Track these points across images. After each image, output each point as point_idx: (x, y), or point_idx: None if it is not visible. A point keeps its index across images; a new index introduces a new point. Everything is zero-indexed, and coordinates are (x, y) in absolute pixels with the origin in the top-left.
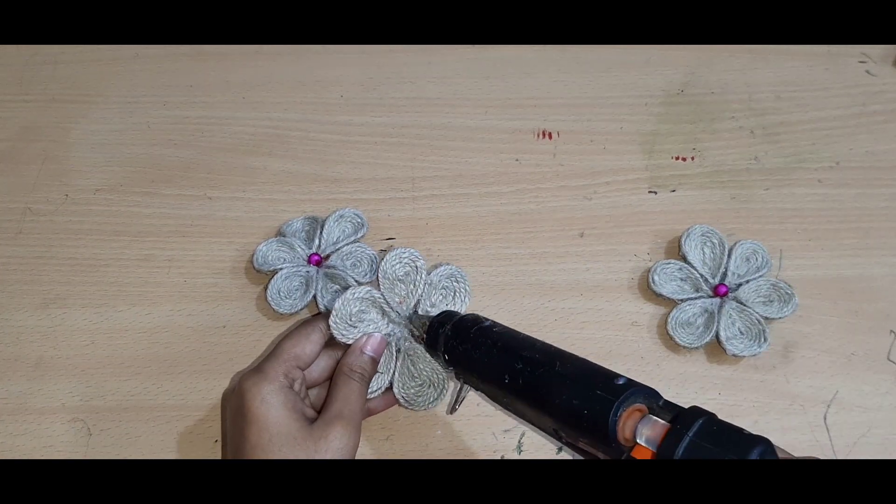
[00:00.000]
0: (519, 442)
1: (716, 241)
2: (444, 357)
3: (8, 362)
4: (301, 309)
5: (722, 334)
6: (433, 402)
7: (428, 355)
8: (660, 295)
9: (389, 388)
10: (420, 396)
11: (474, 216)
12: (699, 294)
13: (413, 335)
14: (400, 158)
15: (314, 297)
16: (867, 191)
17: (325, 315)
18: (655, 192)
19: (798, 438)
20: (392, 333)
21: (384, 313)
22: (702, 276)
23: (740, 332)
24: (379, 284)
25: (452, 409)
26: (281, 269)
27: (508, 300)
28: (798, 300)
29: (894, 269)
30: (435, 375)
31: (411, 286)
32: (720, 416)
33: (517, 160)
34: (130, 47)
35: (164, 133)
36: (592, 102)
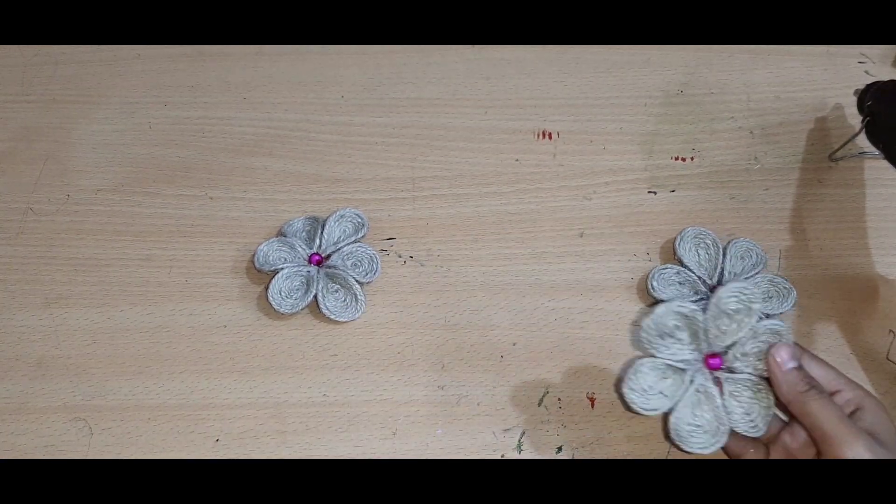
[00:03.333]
0: (519, 441)
1: (709, 241)
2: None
3: (10, 362)
4: (302, 309)
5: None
6: (704, 448)
7: (717, 401)
8: (660, 300)
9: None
10: (693, 437)
11: (474, 216)
12: (698, 296)
13: (714, 378)
14: (400, 158)
15: (315, 297)
16: (867, 191)
17: None
18: (655, 193)
19: None
20: (692, 364)
21: (695, 340)
22: (699, 277)
23: None
24: (706, 310)
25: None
26: (282, 268)
27: (508, 300)
28: (797, 295)
29: (894, 269)
30: (716, 426)
31: (735, 326)
32: None
33: (517, 160)
34: (131, 48)
35: (165, 133)
36: (592, 103)
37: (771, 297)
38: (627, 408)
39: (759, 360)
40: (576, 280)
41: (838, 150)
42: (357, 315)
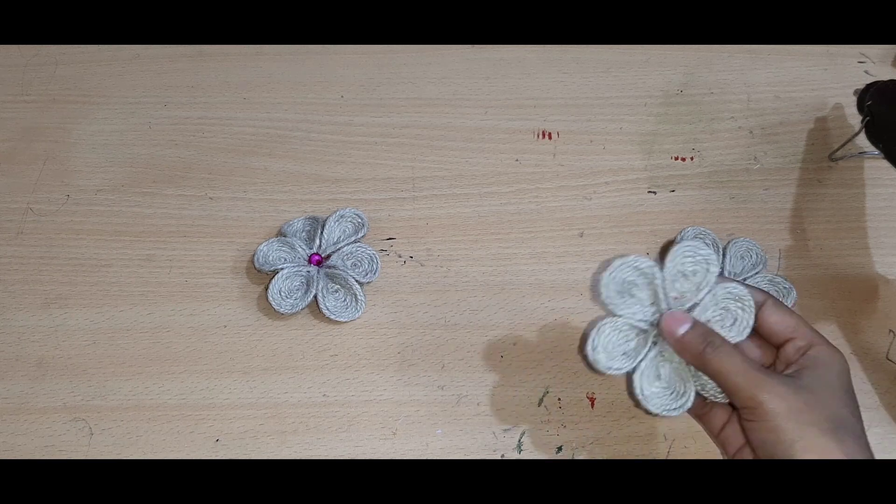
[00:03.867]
0: (519, 441)
1: (709, 241)
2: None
3: (9, 362)
4: (302, 309)
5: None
6: (670, 410)
7: (678, 360)
8: None
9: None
10: (659, 398)
11: (474, 216)
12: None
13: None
14: (400, 158)
15: (315, 296)
16: (866, 191)
17: None
18: (655, 193)
19: None
20: (653, 325)
21: (655, 300)
22: None
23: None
24: (663, 269)
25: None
26: (282, 268)
27: (508, 300)
28: (796, 294)
29: (893, 269)
30: (681, 385)
31: (694, 288)
32: None
33: (517, 160)
34: (131, 48)
35: (165, 133)
36: (592, 103)
37: None
38: (591, 367)
39: (723, 326)
40: (576, 280)
41: (838, 149)
42: (357, 315)
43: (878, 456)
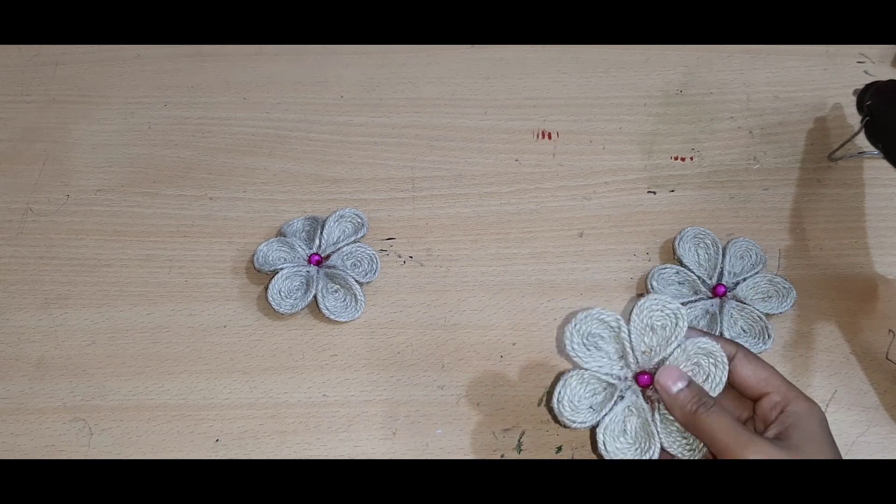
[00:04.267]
0: (519, 441)
1: (709, 241)
2: (865, 119)
3: (9, 362)
4: (302, 309)
5: (726, 334)
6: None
7: (647, 418)
8: None
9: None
10: (623, 454)
11: (474, 216)
12: (698, 296)
13: (645, 396)
14: (400, 158)
15: (315, 297)
16: (866, 190)
17: None
18: (654, 193)
19: None
20: (621, 379)
21: (622, 355)
22: (699, 277)
23: (743, 331)
24: (630, 321)
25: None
26: (281, 269)
27: (508, 300)
28: (796, 294)
29: (893, 269)
30: (647, 441)
31: (663, 342)
32: None
33: (517, 160)
34: (131, 48)
35: (164, 133)
36: (592, 103)
37: (770, 297)
38: (556, 419)
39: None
40: (575, 280)
41: (837, 149)
42: (357, 315)
43: (878, 456)
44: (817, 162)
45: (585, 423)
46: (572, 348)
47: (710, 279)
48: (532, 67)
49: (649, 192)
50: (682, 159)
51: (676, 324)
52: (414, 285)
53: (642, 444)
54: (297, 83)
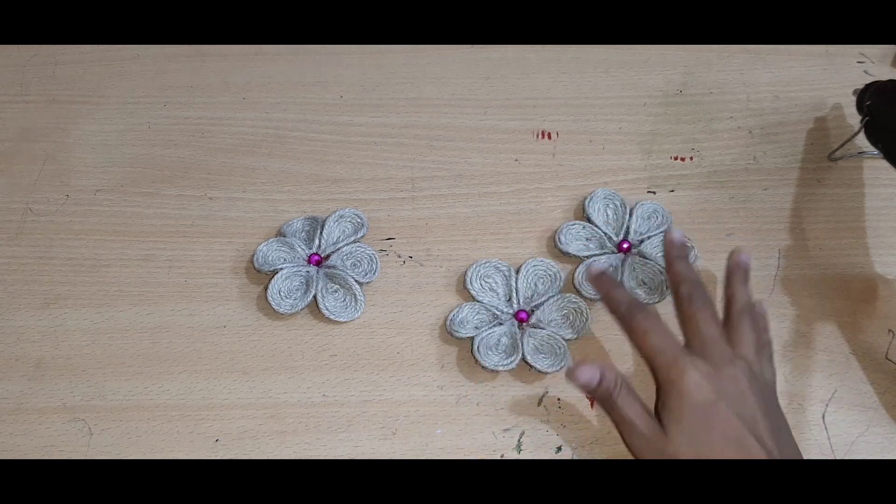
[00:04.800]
0: (518, 441)
1: (618, 202)
2: (865, 119)
3: (8, 362)
4: (301, 309)
5: (625, 284)
6: (495, 364)
7: (516, 339)
8: (566, 253)
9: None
10: (489, 353)
11: (474, 216)
12: (604, 251)
13: (519, 326)
14: (400, 158)
15: (314, 297)
16: (866, 190)
17: None
18: (654, 192)
19: (797, 437)
20: (504, 313)
21: (509, 297)
22: (605, 234)
23: (643, 283)
24: (518, 272)
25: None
26: (281, 269)
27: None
28: (698, 252)
29: (893, 269)
30: (512, 352)
31: (542, 293)
32: None
33: (516, 160)
34: (131, 48)
35: (164, 133)
36: (591, 102)
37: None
38: (451, 335)
39: (561, 325)
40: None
41: (837, 149)
42: (356, 315)
43: (878, 456)
44: (817, 162)
45: (467, 335)
46: (471, 284)
47: (617, 236)
48: (532, 67)
49: (649, 192)
50: (682, 159)
51: (554, 282)
52: (414, 285)
53: (509, 354)
54: (297, 83)
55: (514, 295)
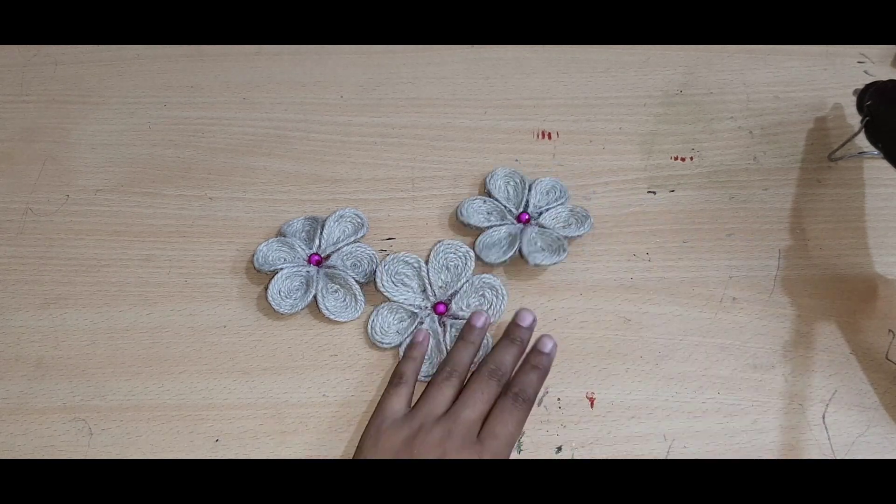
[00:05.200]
0: (519, 441)
1: (518, 180)
2: (865, 119)
3: (9, 362)
4: (301, 309)
5: (524, 249)
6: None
7: (439, 337)
8: (468, 225)
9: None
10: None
11: None
12: (504, 222)
13: (440, 321)
14: (400, 158)
15: (314, 297)
16: (866, 190)
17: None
18: (654, 193)
19: (797, 437)
20: (422, 309)
21: (423, 290)
22: (505, 207)
23: (542, 248)
24: (429, 263)
25: (833, 156)
26: (281, 269)
27: (508, 300)
28: (593, 221)
29: (893, 269)
30: (436, 353)
31: (455, 278)
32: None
33: (517, 160)
34: (131, 48)
35: (164, 133)
36: (591, 103)
37: (570, 225)
38: (370, 342)
39: (480, 307)
40: (575, 280)
41: (837, 149)
42: (357, 315)
43: (878, 456)
44: (817, 162)
45: (392, 343)
46: (383, 285)
47: (517, 209)
48: (532, 67)
49: (649, 192)
50: (682, 159)
51: (466, 263)
52: None
53: (432, 356)
54: (297, 83)
55: (429, 287)
